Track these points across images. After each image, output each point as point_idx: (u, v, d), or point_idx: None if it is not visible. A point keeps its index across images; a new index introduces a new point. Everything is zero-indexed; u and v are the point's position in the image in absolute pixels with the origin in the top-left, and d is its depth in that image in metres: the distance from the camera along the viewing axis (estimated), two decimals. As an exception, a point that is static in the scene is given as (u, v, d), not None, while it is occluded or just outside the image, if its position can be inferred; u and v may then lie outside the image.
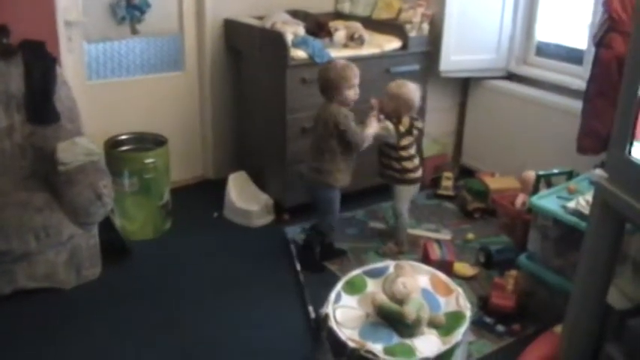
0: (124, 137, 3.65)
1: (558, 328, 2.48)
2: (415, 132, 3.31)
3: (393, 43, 3.82)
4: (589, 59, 3.40)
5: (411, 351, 2.12)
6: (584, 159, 3.27)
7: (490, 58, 4.11)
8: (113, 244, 3.26)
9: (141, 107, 3.93)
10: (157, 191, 3.52)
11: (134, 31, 3.81)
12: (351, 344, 2.11)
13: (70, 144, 3.12)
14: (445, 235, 3.64)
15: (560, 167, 3.17)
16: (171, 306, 2.97)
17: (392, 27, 3.97)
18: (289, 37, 3.47)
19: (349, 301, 2.33)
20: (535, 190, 3.03)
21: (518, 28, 4.06)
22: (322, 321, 2.27)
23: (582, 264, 2.22)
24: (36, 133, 3.19)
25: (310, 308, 2.91)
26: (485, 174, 4.04)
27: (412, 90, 3.26)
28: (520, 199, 3.31)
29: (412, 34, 3.86)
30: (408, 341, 2.16)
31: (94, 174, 3.01)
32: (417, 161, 3.36)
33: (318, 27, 3.84)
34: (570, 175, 3.11)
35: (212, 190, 4.08)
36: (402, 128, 3.25)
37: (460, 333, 2.20)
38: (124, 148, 3.63)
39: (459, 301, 2.33)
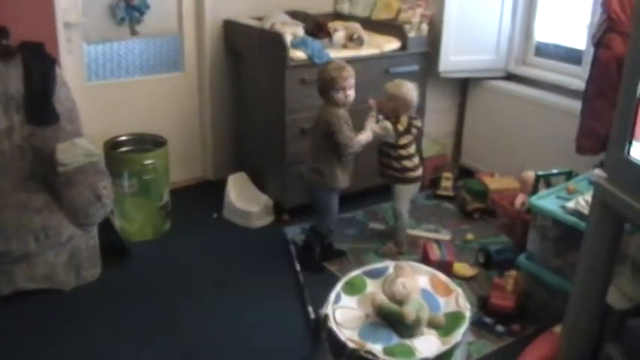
0: (123, 138, 3.65)
1: (558, 328, 2.48)
2: (414, 131, 3.31)
3: (392, 44, 3.82)
4: (588, 59, 3.41)
5: (410, 351, 2.12)
6: (584, 159, 3.28)
7: (489, 58, 4.11)
8: (113, 245, 3.26)
9: (140, 108, 3.93)
10: (157, 192, 3.52)
11: (133, 32, 3.81)
12: (351, 345, 2.11)
13: (70, 145, 3.12)
14: (445, 236, 3.64)
15: (560, 167, 3.18)
16: (171, 307, 2.97)
17: (391, 27, 3.97)
18: (288, 38, 3.47)
19: (349, 301, 2.33)
20: (534, 190, 3.03)
21: (517, 28, 4.06)
22: (322, 321, 2.27)
23: (581, 264, 2.22)
24: (35, 134, 3.20)
25: (310, 309, 2.91)
26: (485, 174, 4.04)
27: (410, 89, 3.26)
28: (519, 199, 3.31)
29: (411, 34, 3.86)
30: (407, 342, 2.16)
31: (93, 175, 3.01)
32: (416, 160, 3.36)
33: (317, 28, 3.84)
34: (569, 176, 3.11)
35: (211, 191, 4.08)
36: (400, 127, 3.26)
37: (460, 333, 2.20)
38: (124, 149, 3.63)
39: (458, 301, 2.34)
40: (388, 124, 3.23)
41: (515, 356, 2.55)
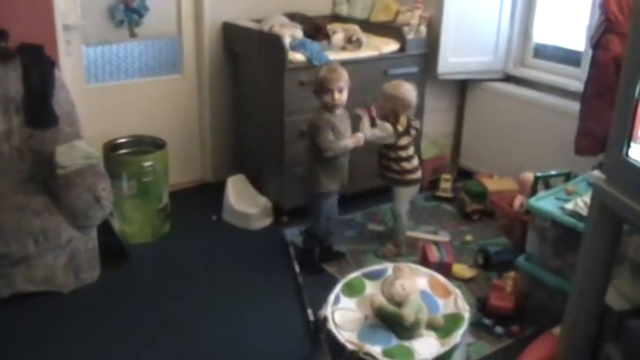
0: (122, 140, 3.65)
1: (557, 329, 2.48)
2: (413, 132, 3.31)
3: (390, 46, 3.83)
4: (587, 61, 3.41)
5: (409, 353, 2.12)
6: (583, 160, 3.28)
7: (488, 60, 4.11)
8: (112, 248, 3.26)
9: (139, 110, 3.93)
10: (156, 194, 3.52)
11: (132, 35, 3.81)
12: (350, 346, 2.11)
13: (69, 147, 3.12)
14: (444, 237, 3.64)
15: (558, 169, 3.18)
16: (171, 308, 2.97)
17: (389, 29, 3.97)
18: (287, 40, 3.47)
19: (348, 303, 2.33)
20: (533, 191, 3.03)
21: (515, 30, 4.06)
22: (321, 323, 2.27)
23: (580, 265, 2.23)
24: (34, 136, 3.20)
25: (309, 310, 2.91)
26: (484, 176, 4.04)
27: (408, 90, 3.26)
28: (518, 200, 3.31)
29: (410, 36, 3.87)
30: (406, 343, 2.17)
31: (92, 177, 3.01)
32: (415, 162, 3.37)
33: (315, 30, 3.84)
34: (568, 177, 3.12)
35: (211, 193, 4.08)
36: (400, 128, 3.26)
37: (459, 335, 2.20)
38: (123, 151, 3.63)
39: (457, 302, 2.34)
40: (388, 125, 3.23)
41: (514, 357, 2.55)
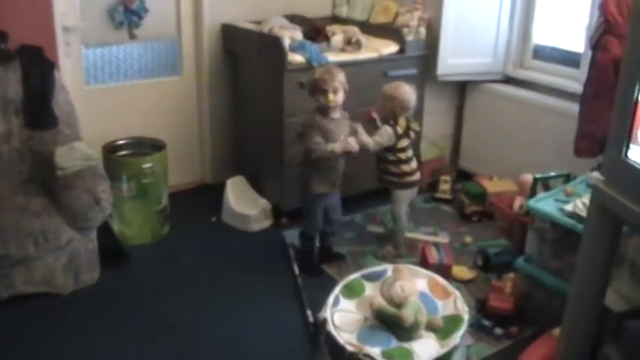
0: (121, 142, 3.65)
1: (556, 330, 2.48)
2: (412, 134, 3.31)
3: (390, 47, 3.83)
4: (586, 62, 3.41)
5: (409, 354, 2.12)
6: (582, 161, 3.28)
7: (487, 61, 4.12)
8: (111, 249, 3.26)
9: (139, 112, 3.93)
10: (155, 196, 3.52)
11: (132, 36, 3.82)
12: (350, 348, 2.11)
13: (68, 149, 3.12)
14: (443, 239, 3.64)
15: (558, 170, 3.18)
16: (170, 310, 2.97)
17: (389, 31, 3.98)
18: (287, 42, 3.47)
19: (347, 304, 2.33)
20: (532, 192, 3.04)
21: (515, 31, 4.07)
22: (320, 325, 2.27)
23: (580, 266, 2.23)
24: (34, 137, 3.20)
25: (308, 312, 2.91)
26: (483, 177, 4.05)
27: (407, 91, 3.26)
28: (518, 202, 3.31)
29: (409, 37, 3.87)
30: (406, 345, 2.16)
31: (92, 179, 3.01)
32: (414, 164, 3.37)
33: (315, 31, 3.85)
34: (568, 178, 3.12)
35: (210, 194, 4.08)
36: (399, 129, 3.26)
37: (458, 336, 2.20)
38: (122, 152, 3.63)
39: (456, 304, 2.34)
40: (387, 128, 3.23)
41: (513, 359, 2.56)
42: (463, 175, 4.35)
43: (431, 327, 2.23)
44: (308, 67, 3.44)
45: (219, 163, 4.26)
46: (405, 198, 3.39)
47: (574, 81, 3.70)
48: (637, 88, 1.88)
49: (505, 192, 3.66)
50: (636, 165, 1.92)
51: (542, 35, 4.07)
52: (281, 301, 3.06)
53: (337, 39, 3.73)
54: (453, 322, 2.26)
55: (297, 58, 3.47)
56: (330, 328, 2.19)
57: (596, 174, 2.14)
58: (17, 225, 2.84)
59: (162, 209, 3.60)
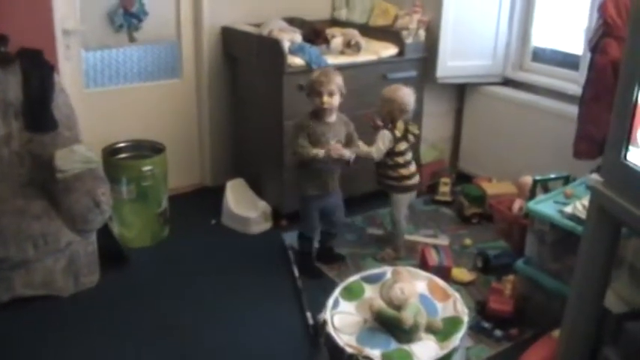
0: (121, 145, 3.65)
1: (556, 332, 2.48)
2: (411, 138, 3.32)
3: (389, 50, 3.83)
4: (585, 64, 3.41)
5: (408, 356, 2.12)
6: (581, 164, 3.28)
7: (486, 64, 4.12)
8: (111, 252, 3.26)
9: (138, 115, 3.93)
10: (155, 198, 3.52)
11: (132, 39, 3.82)
12: (349, 350, 2.11)
13: (68, 152, 3.12)
14: (443, 241, 3.64)
15: (557, 172, 3.18)
16: (170, 313, 2.97)
17: (388, 33, 3.98)
18: (286, 44, 3.48)
19: (347, 306, 2.33)
20: (532, 195, 3.04)
21: (514, 33, 4.07)
22: (320, 327, 2.27)
23: (579, 268, 2.23)
24: (34, 140, 3.20)
25: (308, 314, 2.91)
26: (483, 179, 4.05)
27: (407, 94, 3.27)
28: (517, 204, 3.31)
29: (408, 40, 3.87)
30: (405, 347, 2.16)
31: (92, 181, 3.01)
32: (413, 168, 3.37)
33: (314, 34, 3.85)
34: (567, 180, 3.12)
35: (210, 197, 4.08)
36: (397, 133, 3.26)
37: (458, 338, 2.20)
38: (122, 155, 3.63)
39: (456, 306, 2.34)
40: (386, 132, 3.24)
41: (513, 361, 2.56)
42: (463, 178, 4.35)
43: (430, 329, 2.23)
44: (307, 70, 3.44)
45: (218, 165, 4.27)
46: (403, 201, 3.39)
47: (573, 83, 3.70)
48: (636, 90, 1.89)
49: (504, 194, 3.66)
50: (635, 167, 1.92)
51: (542, 37, 4.07)
52: (281, 303, 3.07)
53: (337, 42, 3.73)
54: (452, 324, 2.26)
55: (296, 60, 3.48)
56: (330, 330, 2.19)
57: (595, 176, 2.14)
58: (17, 228, 2.84)
59: (162, 212, 3.60)
